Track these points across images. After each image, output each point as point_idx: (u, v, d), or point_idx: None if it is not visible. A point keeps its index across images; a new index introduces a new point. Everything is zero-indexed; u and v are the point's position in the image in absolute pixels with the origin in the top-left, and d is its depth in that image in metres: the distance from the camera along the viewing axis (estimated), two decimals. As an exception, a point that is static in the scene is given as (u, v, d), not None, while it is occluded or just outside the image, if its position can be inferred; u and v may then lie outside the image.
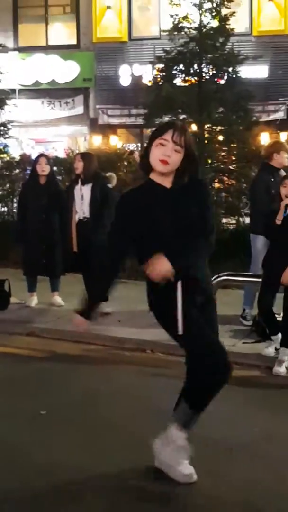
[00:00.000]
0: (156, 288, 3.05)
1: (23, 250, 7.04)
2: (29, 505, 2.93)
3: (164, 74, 10.33)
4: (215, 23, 10.05)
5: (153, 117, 10.07)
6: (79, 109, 16.28)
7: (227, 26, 10.13)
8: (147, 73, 13.60)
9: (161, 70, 10.42)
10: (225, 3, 10.15)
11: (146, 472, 3.19)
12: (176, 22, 10.02)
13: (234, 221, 9.32)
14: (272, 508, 2.90)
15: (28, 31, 16.90)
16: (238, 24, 11.37)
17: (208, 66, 10.04)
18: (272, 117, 14.73)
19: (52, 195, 6.79)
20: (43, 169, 6.83)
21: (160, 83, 10.27)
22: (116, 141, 14.57)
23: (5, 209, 10.92)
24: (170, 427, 3.07)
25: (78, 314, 3.17)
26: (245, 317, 6.18)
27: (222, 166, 9.92)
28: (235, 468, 3.25)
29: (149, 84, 11.46)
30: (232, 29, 10.25)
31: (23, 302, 6.97)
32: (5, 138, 12.13)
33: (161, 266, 2.92)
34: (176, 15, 10.04)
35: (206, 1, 9.91)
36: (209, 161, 9.87)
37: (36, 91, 16.21)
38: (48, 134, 16.57)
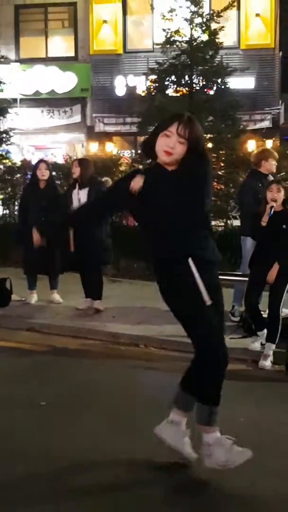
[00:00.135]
0: (168, 272, 2.97)
1: (24, 250, 7.02)
2: (29, 494, 2.90)
3: (157, 85, 10.36)
4: (205, 37, 10.08)
5: (146, 125, 10.09)
6: (77, 118, 16.28)
7: (216, 40, 10.16)
8: (141, 84, 13.60)
9: (154, 81, 10.44)
10: (215, 18, 10.19)
11: (144, 461, 3.18)
12: (168, 36, 10.05)
13: (222, 224, 9.35)
14: (256, 492, 2.92)
15: (29, 44, 16.88)
16: (226, 38, 11.39)
17: (198, 78, 10.07)
18: (259, 125, 14.78)
19: (51, 198, 6.78)
20: (43, 174, 6.82)
21: (153, 93, 10.30)
22: (111, 148, 14.57)
23: (7, 211, 10.90)
24: (204, 437, 3.00)
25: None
26: (234, 313, 6.19)
27: (211, 172, 9.92)
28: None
29: (143, 94, 11.48)
30: (221, 43, 10.28)
31: (23, 299, 6.96)
32: (7, 145, 12.09)
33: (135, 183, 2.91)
34: (168, 29, 10.06)
35: (196, 16, 9.94)
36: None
37: (36, 101, 16.19)
38: (47, 141, 16.55)
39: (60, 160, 12.19)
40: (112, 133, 15.88)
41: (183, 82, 10.10)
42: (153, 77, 10.48)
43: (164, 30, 10.12)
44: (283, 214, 5.14)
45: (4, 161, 11.74)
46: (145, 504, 2.81)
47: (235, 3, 11.27)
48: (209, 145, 10.01)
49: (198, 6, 9.96)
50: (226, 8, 10.33)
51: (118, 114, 15.23)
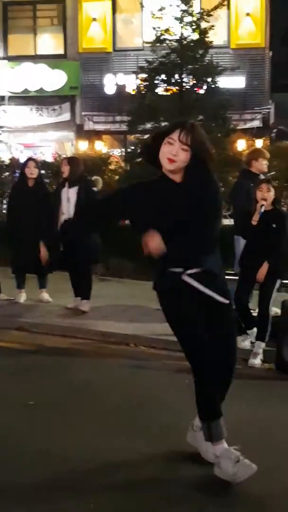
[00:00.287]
0: (166, 293, 3.03)
1: (12, 249, 7.02)
2: (25, 495, 2.88)
3: (147, 83, 10.39)
4: (195, 36, 10.13)
5: (136, 124, 10.12)
6: (66, 116, 16.26)
7: (207, 39, 10.21)
8: (131, 82, 13.61)
9: (144, 80, 10.47)
10: (205, 17, 10.23)
11: (134, 460, 3.20)
12: (158, 35, 10.08)
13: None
14: (246, 490, 2.95)
15: (17, 41, 16.83)
16: (217, 37, 11.46)
17: (188, 77, 10.11)
18: (249, 125, 14.84)
19: (40, 197, 6.78)
20: (32, 172, 6.82)
21: (143, 92, 10.33)
22: (101, 146, 14.57)
23: (-5, 210, 10.89)
24: (211, 448, 3.03)
25: None
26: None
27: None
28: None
29: (133, 92, 11.50)
30: (211, 42, 10.33)
31: (12, 298, 6.95)
32: (-5, 143, 12.09)
33: (153, 243, 2.89)
34: (158, 27, 10.10)
35: (186, 15, 9.98)
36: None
37: (25, 98, 16.15)
38: (36, 139, 16.51)
39: (49, 159, 12.18)
40: (102, 131, 15.88)
41: (173, 81, 10.14)
42: (143, 75, 10.50)
43: (154, 28, 10.16)
44: (273, 213, 5.18)
45: (-8, 159, 11.72)
46: (144, 503, 2.82)
47: (225, 2, 11.37)
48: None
49: (188, 5, 10.00)
50: (216, 7, 10.39)
51: (108, 113, 15.24)
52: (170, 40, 9.99)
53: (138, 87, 10.92)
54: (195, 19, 10.05)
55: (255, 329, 5.19)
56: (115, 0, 15.99)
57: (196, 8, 10.52)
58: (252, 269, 5.14)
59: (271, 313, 5.12)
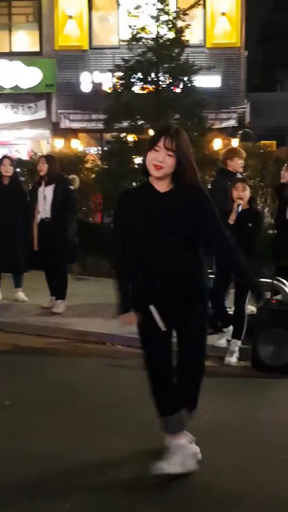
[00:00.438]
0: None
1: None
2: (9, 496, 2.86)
3: (123, 81, 10.34)
4: (171, 35, 10.10)
5: (112, 122, 10.07)
6: (42, 114, 16.14)
7: (183, 38, 10.20)
8: (107, 81, 13.56)
9: (120, 78, 10.42)
10: (181, 16, 10.23)
11: (112, 459, 3.20)
12: (134, 33, 10.04)
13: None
14: (221, 486, 2.97)
15: (-8, 38, 16.67)
16: (192, 36, 11.44)
17: (164, 75, 10.09)
18: (225, 124, 14.91)
19: (15, 195, 6.73)
20: (7, 170, 6.76)
21: (120, 90, 10.28)
22: (77, 145, 14.50)
23: None
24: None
25: (122, 314, 3.12)
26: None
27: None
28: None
29: (109, 91, 11.45)
30: (187, 41, 10.32)
31: (-13, 298, 6.89)
32: None
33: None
34: (135, 26, 10.06)
35: (162, 14, 9.96)
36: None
37: (0, 96, 16.00)
38: (11, 137, 16.37)
39: (25, 157, 12.08)
40: (78, 129, 15.81)
41: (149, 80, 10.11)
42: (119, 74, 10.46)
43: (130, 26, 10.12)
44: (249, 212, 5.22)
45: None
46: (120, 503, 2.82)
47: (201, 2, 11.34)
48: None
49: (164, 4, 9.99)
50: (192, 6, 10.39)
51: (84, 111, 15.17)
52: (146, 39, 9.97)
53: (114, 86, 10.87)
54: (171, 18, 10.05)
55: (231, 327, 5.22)
56: (91, -3, 15.94)
57: (172, 7, 10.51)
58: (228, 268, 5.15)
59: (247, 311, 5.16)
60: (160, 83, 10.07)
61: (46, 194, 6.39)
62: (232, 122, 15.14)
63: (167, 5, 10.05)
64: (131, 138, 9.88)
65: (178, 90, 10.27)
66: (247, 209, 5.20)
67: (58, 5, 15.94)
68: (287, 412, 4.05)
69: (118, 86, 10.48)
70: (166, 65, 10.00)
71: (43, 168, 6.42)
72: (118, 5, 11.42)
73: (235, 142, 12.57)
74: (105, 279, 8.13)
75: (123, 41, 11.21)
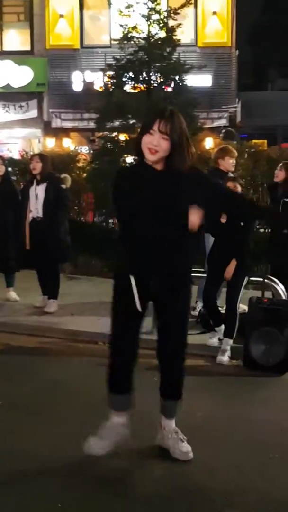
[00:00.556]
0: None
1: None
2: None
3: (114, 81, 10.31)
4: (162, 34, 10.09)
5: (104, 121, 10.05)
6: (33, 113, 16.09)
7: (174, 37, 10.19)
8: (99, 80, 13.52)
9: (111, 77, 10.40)
10: (172, 15, 10.22)
11: (103, 457, 3.18)
12: (125, 32, 10.02)
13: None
14: (212, 485, 2.97)
15: (-17, 36, 16.58)
16: (184, 35, 11.45)
17: (156, 74, 10.08)
18: (216, 123, 14.92)
19: (7, 194, 6.69)
20: (-2, 169, 6.73)
21: (111, 90, 10.25)
22: (69, 144, 14.48)
23: None
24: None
25: None
26: (195, 308, 6.22)
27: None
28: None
29: (101, 90, 11.42)
30: (179, 40, 10.31)
31: (-21, 297, 6.86)
32: None
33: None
34: (126, 25, 10.04)
35: (154, 13, 9.95)
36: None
37: (-9, 95, 15.95)
38: (3, 136, 16.31)
39: (16, 156, 12.03)
40: (70, 128, 15.77)
41: (140, 79, 10.09)
42: (111, 73, 10.43)
43: (121, 26, 10.09)
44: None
45: None
46: (110, 502, 2.81)
47: (192, 1, 11.36)
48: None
49: (156, 3, 9.97)
50: (183, 5, 10.38)
51: (75, 110, 15.13)
52: (137, 38, 9.95)
53: (105, 85, 10.85)
54: (162, 17, 10.03)
55: (222, 326, 5.22)
56: (83, -4, 15.90)
57: (163, 6, 10.50)
58: (220, 267, 5.17)
59: (238, 310, 5.16)
60: (152, 82, 10.06)
61: (38, 193, 6.36)
62: (223, 122, 15.16)
63: (158, 4, 10.04)
64: (122, 137, 9.86)
65: (169, 89, 10.26)
66: (238, 208, 5.19)
67: (49, 4, 15.89)
68: (279, 410, 4.06)
69: (110, 85, 10.45)
70: (157, 64, 9.99)
71: (37, 166, 6.38)
72: (110, 4, 11.38)
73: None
74: (96, 278, 8.12)
75: (115, 40, 11.20)
